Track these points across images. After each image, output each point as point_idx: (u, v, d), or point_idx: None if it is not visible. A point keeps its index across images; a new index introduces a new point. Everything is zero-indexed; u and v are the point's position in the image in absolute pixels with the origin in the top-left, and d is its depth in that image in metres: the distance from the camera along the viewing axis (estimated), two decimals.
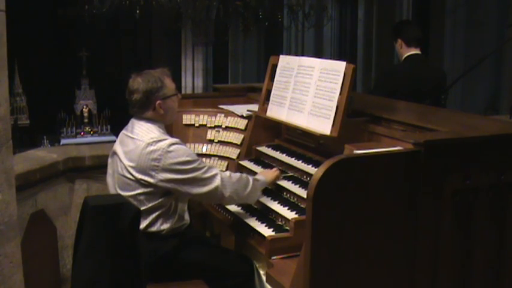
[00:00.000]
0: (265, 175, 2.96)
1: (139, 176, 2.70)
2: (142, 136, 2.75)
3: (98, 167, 3.71)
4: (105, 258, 2.41)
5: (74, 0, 10.69)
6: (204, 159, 3.33)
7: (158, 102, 2.81)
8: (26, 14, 12.98)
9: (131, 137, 2.79)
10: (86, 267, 2.45)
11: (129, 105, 2.85)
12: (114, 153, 2.88)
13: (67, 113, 12.96)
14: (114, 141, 2.98)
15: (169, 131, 3.09)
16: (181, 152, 2.70)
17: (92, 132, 13.24)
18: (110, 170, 2.92)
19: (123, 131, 2.89)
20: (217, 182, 2.71)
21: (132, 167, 2.72)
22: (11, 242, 2.36)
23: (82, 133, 13.15)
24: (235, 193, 2.77)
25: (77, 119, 13.24)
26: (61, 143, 12.01)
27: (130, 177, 2.73)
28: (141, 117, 2.83)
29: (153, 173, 2.68)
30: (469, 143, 2.24)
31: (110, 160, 2.93)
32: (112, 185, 2.86)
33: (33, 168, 3.30)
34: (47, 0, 14.34)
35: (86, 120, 13.32)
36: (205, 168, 2.73)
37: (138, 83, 2.80)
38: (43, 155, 3.60)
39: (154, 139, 2.71)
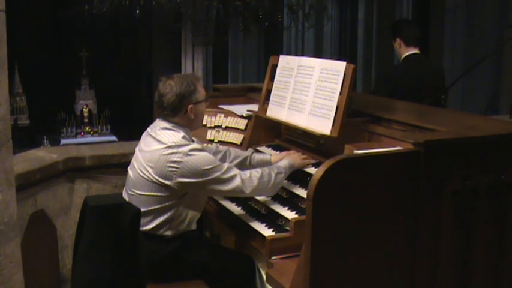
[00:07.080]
0: (292, 159, 2.95)
1: (157, 178, 2.69)
2: (165, 139, 2.73)
3: (98, 167, 3.72)
4: (105, 258, 2.41)
5: (74, 0, 10.69)
6: None
7: (190, 106, 2.80)
8: (26, 14, 12.97)
9: (154, 137, 2.78)
10: (86, 267, 2.45)
11: (158, 108, 2.83)
12: (138, 149, 2.87)
13: (67, 113, 12.93)
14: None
15: None
16: (201, 157, 2.69)
17: (92, 132, 13.22)
18: (131, 165, 2.91)
19: (148, 129, 2.87)
20: (237, 182, 2.72)
21: (150, 167, 2.71)
22: (11, 242, 2.37)
23: (82, 133, 13.13)
24: (256, 190, 2.78)
25: (77, 119, 13.22)
26: (61, 143, 11.97)
27: (147, 177, 2.72)
28: (169, 121, 2.80)
29: (171, 176, 2.67)
30: (469, 143, 2.24)
31: (134, 156, 2.92)
32: (130, 181, 2.86)
33: (33, 168, 3.29)
34: (47, 0, 14.33)
35: (86, 120, 13.29)
36: (225, 169, 2.72)
37: (170, 85, 2.78)
38: (43, 155, 3.59)
39: (177, 143, 2.70)
